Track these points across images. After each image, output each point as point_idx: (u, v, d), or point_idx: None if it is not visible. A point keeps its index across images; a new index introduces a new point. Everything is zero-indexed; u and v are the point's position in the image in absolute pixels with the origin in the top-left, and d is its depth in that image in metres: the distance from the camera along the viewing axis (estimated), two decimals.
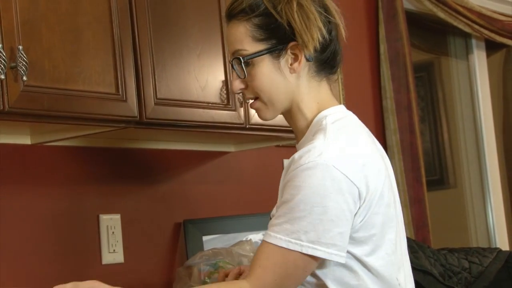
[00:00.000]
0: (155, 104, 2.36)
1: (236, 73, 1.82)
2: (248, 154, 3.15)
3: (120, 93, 2.27)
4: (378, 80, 3.84)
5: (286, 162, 1.92)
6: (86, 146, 2.62)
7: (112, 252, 2.64)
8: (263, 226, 2.99)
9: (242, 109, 2.62)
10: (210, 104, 2.52)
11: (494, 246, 4.33)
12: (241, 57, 1.80)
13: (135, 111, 2.30)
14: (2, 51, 1.95)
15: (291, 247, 1.70)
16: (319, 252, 1.70)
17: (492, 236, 4.53)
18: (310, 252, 1.70)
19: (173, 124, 2.44)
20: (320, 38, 1.78)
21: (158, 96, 2.37)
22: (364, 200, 1.73)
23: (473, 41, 4.65)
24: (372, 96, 3.82)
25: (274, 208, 1.81)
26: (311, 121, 1.83)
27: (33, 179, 2.48)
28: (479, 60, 4.66)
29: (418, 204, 3.80)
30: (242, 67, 1.80)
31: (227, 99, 2.58)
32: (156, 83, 2.37)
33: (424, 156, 4.03)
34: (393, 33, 3.82)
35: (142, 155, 2.80)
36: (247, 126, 2.64)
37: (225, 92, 2.57)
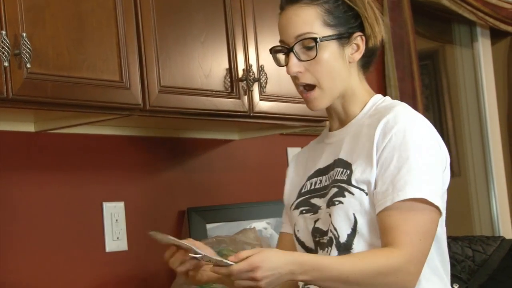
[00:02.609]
0: (159, 92, 2.35)
1: (296, 56, 1.84)
2: (252, 142, 3.15)
3: (124, 80, 2.26)
4: (383, 68, 3.83)
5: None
6: (90, 134, 2.62)
7: (116, 239, 2.65)
8: (267, 214, 3.00)
9: (246, 97, 2.61)
10: (214, 92, 2.52)
11: (497, 235, 4.33)
12: (314, 38, 1.81)
13: (139, 99, 2.30)
14: (5, 38, 1.95)
15: (430, 199, 1.74)
16: (441, 204, 1.78)
17: (496, 225, 4.53)
18: (439, 204, 1.76)
19: (176, 112, 2.44)
20: (383, 33, 1.90)
21: (162, 84, 2.36)
22: (446, 164, 1.85)
23: (478, 29, 4.64)
24: (377, 84, 3.81)
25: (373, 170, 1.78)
26: (365, 104, 1.90)
27: (37, 167, 2.48)
28: (484, 48, 4.65)
29: None
30: (306, 49, 1.83)
31: (231, 87, 2.57)
32: (160, 70, 2.37)
33: None
34: (398, 21, 3.81)
35: (146, 143, 2.80)
36: (251, 114, 2.64)
37: (229, 80, 2.57)
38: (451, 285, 2.87)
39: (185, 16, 2.46)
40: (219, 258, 1.68)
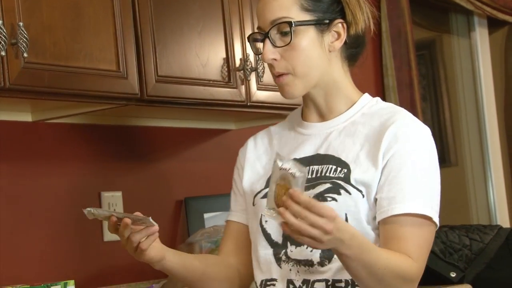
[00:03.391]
0: (156, 81, 2.35)
1: (271, 42, 1.74)
2: (249, 131, 3.14)
3: (121, 70, 2.26)
4: (380, 58, 3.83)
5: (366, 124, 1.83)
6: (87, 124, 2.62)
7: None
8: None
9: (243, 87, 2.61)
10: (211, 82, 2.52)
11: (494, 223, 4.33)
12: (288, 22, 1.72)
13: (136, 88, 2.30)
14: (2, 27, 1.94)
15: (434, 219, 1.72)
16: (437, 219, 1.74)
17: (493, 214, 4.54)
18: (436, 221, 1.73)
19: (174, 102, 2.44)
20: (367, 21, 1.81)
21: (159, 74, 2.36)
22: None
23: (475, 19, 4.63)
24: (374, 74, 3.81)
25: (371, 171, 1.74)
26: (354, 102, 1.83)
27: (34, 157, 2.48)
28: (481, 37, 4.65)
29: None
30: (282, 35, 1.74)
31: (228, 77, 2.57)
32: (157, 60, 2.36)
33: None
34: (395, 10, 3.80)
35: (143, 133, 2.80)
36: (248, 104, 2.64)
37: (226, 69, 2.57)
38: (449, 273, 2.89)
39: (182, 5, 2.45)
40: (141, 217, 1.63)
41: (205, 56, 2.50)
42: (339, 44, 1.79)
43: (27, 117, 2.45)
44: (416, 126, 1.77)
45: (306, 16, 1.74)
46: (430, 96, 4.80)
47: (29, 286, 1.90)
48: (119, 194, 2.68)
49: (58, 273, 2.45)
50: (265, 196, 1.77)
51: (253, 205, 1.84)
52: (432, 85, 4.80)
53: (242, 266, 1.86)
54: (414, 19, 4.04)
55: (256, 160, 1.90)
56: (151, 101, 2.37)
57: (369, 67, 3.80)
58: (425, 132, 1.77)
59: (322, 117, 1.84)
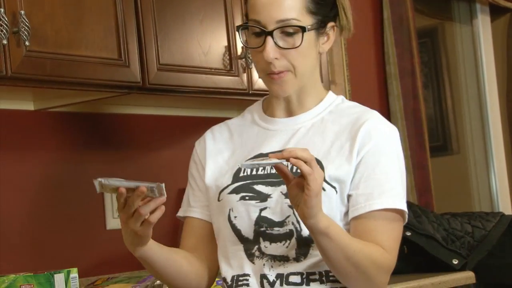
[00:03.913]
0: (158, 69, 2.35)
1: (275, 41, 1.72)
2: None
3: (123, 58, 2.26)
4: (382, 46, 3.82)
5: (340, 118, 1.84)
6: (90, 112, 2.63)
7: (117, 217, 2.64)
8: None
9: (245, 75, 2.61)
10: (213, 70, 2.52)
11: (497, 211, 4.34)
12: (301, 27, 1.72)
13: (138, 77, 2.30)
14: (4, 16, 1.94)
15: (406, 213, 1.77)
16: (407, 215, 1.78)
17: (495, 201, 4.54)
18: (406, 216, 1.77)
19: (175, 90, 2.44)
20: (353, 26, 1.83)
21: (161, 62, 2.36)
22: None
23: (477, 6, 4.62)
24: (376, 62, 3.80)
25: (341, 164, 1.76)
26: (322, 99, 1.84)
27: (37, 145, 2.48)
28: (483, 25, 4.64)
29: (421, 170, 3.80)
30: (286, 35, 1.73)
31: (230, 65, 2.57)
32: (159, 48, 2.36)
33: (428, 122, 4.02)
34: None
35: (145, 121, 2.80)
36: (250, 92, 2.64)
37: (228, 57, 2.57)
38: (451, 260, 2.89)
39: None
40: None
41: (206, 44, 2.50)
42: (328, 46, 1.81)
43: (29, 106, 2.46)
44: (387, 126, 1.81)
45: (310, 19, 1.75)
46: (432, 84, 4.79)
47: (32, 274, 1.91)
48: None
49: (61, 261, 2.46)
50: (233, 191, 1.78)
51: (219, 200, 1.81)
52: (434, 73, 4.80)
53: (207, 262, 1.85)
54: (416, 7, 4.03)
55: (217, 154, 1.87)
56: (153, 89, 2.37)
57: (371, 55, 3.79)
58: (394, 131, 1.82)
59: (289, 113, 1.84)
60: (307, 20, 1.74)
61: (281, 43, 1.73)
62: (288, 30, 1.73)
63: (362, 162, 1.74)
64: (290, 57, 1.74)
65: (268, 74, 1.76)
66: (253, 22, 1.75)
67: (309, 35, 1.75)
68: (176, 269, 1.77)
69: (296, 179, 1.60)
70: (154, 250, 1.73)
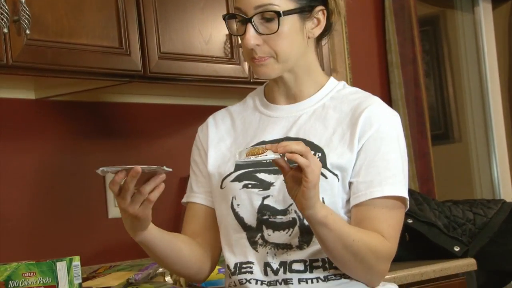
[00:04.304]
0: (159, 58, 2.35)
1: (254, 28, 1.73)
2: None
3: (124, 47, 2.26)
4: (383, 34, 3.82)
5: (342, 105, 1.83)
6: (91, 101, 2.62)
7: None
8: None
9: (246, 63, 2.61)
10: (214, 58, 2.51)
11: (498, 198, 4.34)
12: (276, 12, 1.72)
13: (139, 65, 2.30)
14: (4, 4, 1.94)
15: (407, 200, 1.76)
16: (408, 202, 1.78)
17: (497, 188, 4.54)
18: (408, 203, 1.77)
19: (177, 78, 2.44)
20: (344, 9, 1.82)
21: (162, 50, 2.36)
22: None
23: None
24: (377, 50, 3.80)
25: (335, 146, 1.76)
26: (322, 85, 1.84)
27: (38, 134, 2.48)
28: (485, 12, 4.63)
29: (423, 158, 3.80)
30: (265, 21, 1.73)
31: (231, 53, 2.57)
32: (160, 37, 2.36)
33: (429, 110, 4.02)
34: None
35: (146, 110, 2.80)
36: (251, 80, 2.63)
37: (229, 46, 2.56)
38: (453, 247, 2.90)
39: None
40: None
41: (207, 32, 2.50)
42: (318, 31, 1.80)
43: (30, 95, 2.46)
44: (388, 112, 1.80)
45: (290, 4, 1.74)
46: (434, 72, 4.79)
47: (34, 262, 1.91)
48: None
49: (63, 250, 2.46)
50: (235, 179, 1.78)
51: (221, 188, 1.81)
52: (435, 61, 4.79)
53: (208, 248, 1.85)
54: None
55: (220, 142, 1.88)
56: (154, 77, 2.37)
57: (372, 43, 3.79)
58: (396, 117, 1.81)
59: (291, 99, 1.84)
60: (289, 5, 1.73)
61: (261, 29, 1.74)
62: (267, 16, 1.73)
63: (363, 149, 1.74)
64: (272, 42, 1.74)
65: (250, 59, 1.77)
66: (236, 10, 1.77)
67: (292, 20, 1.74)
68: (177, 254, 1.77)
69: (292, 171, 1.59)
70: (155, 235, 1.73)
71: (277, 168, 1.67)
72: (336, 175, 1.74)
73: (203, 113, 2.99)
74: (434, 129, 4.39)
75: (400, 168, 1.76)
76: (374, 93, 1.86)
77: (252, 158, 1.58)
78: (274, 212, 1.75)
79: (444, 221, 2.95)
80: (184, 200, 1.92)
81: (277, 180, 1.75)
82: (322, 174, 1.70)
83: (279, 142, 1.58)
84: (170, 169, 1.60)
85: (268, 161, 1.61)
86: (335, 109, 1.80)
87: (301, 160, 1.55)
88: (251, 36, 1.74)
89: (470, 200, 3.14)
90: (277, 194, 1.75)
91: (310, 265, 1.73)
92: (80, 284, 1.96)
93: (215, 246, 1.85)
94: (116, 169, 1.59)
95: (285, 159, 1.61)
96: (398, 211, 1.75)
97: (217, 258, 1.87)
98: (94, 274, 2.42)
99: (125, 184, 1.60)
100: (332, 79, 1.87)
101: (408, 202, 1.77)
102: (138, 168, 1.58)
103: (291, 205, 1.73)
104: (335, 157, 1.74)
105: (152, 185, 1.62)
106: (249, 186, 1.77)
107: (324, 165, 1.73)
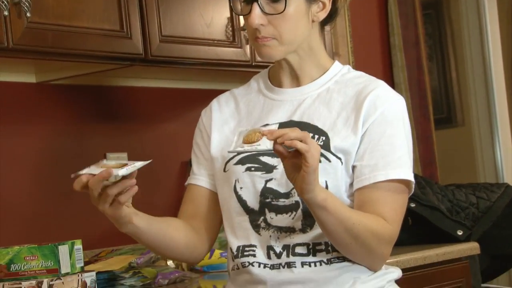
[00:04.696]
0: (160, 41, 2.34)
1: (260, 7, 1.73)
2: None
3: (125, 30, 2.25)
4: (386, 17, 3.80)
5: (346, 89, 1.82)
6: (92, 85, 2.62)
7: None
8: None
9: (248, 46, 2.60)
10: (215, 41, 2.50)
11: (502, 182, 4.33)
12: None
13: (140, 49, 2.29)
14: None
15: (412, 183, 1.75)
16: (413, 186, 1.77)
17: (500, 173, 4.54)
18: (413, 186, 1.76)
19: (178, 62, 2.43)
20: None
21: (163, 33, 2.35)
22: None
23: None
24: (380, 33, 3.78)
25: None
26: (327, 69, 1.84)
27: (39, 118, 2.48)
28: None
29: (425, 141, 3.80)
30: (271, 1, 1.73)
31: (233, 36, 2.56)
32: (161, 20, 2.35)
33: (432, 94, 4.01)
34: None
35: (148, 94, 2.79)
36: (253, 64, 2.63)
37: (230, 29, 2.55)
38: (456, 231, 2.89)
39: None
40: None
41: (209, 15, 2.49)
42: (323, 14, 1.79)
43: (31, 78, 2.45)
44: (393, 95, 1.79)
45: None
46: (437, 56, 4.77)
47: (37, 245, 1.91)
48: (124, 155, 2.68)
49: (64, 234, 2.46)
50: (238, 162, 1.78)
51: (225, 171, 1.81)
52: (438, 44, 4.77)
53: (204, 230, 1.84)
54: None
55: (224, 125, 1.87)
56: (155, 61, 2.36)
57: (375, 26, 3.77)
58: (401, 101, 1.80)
59: (295, 82, 1.84)
60: None
61: (267, 9, 1.73)
62: None
63: (367, 132, 1.74)
64: (277, 23, 1.74)
65: (254, 38, 1.77)
66: None
67: (298, 2, 1.74)
68: (166, 242, 1.77)
69: (291, 156, 1.58)
70: (140, 226, 1.73)
71: None
72: (339, 158, 1.73)
73: (204, 97, 2.99)
74: (437, 113, 4.38)
75: (406, 151, 1.75)
76: (376, 76, 1.85)
77: (246, 148, 1.58)
78: (277, 195, 1.75)
79: (447, 205, 2.95)
80: (186, 182, 1.91)
81: (280, 164, 1.73)
82: (326, 157, 1.71)
83: (277, 129, 1.58)
84: (148, 161, 1.60)
85: (259, 151, 1.60)
86: (339, 92, 1.79)
87: (300, 145, 1.55)
88: (256, 15, 1.73)
89: (473, 184, 3.13)
90: (280, 177, 1.74)
91: (313, 248, 1.73)
92: (82, 268, 1.96)
93: (211, 228, 1.84)
94: (90, 172, 1.64)
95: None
96: (402, 195, 1.75)
97: (213, 241, 1.86)
98: (96, 258, 2.42)
99: (89, 183, 1.66)
100: (336, 63, 1.87)
101: (413, 185, 1.76)
102: (105, 173, 1.63)
103: (293, 188, 1.72)
104: (339, 141, 1.73)
105: (119, 188, 1.65)
106: (252, 169, 1.77)
107: (328, 149, 1.72)
